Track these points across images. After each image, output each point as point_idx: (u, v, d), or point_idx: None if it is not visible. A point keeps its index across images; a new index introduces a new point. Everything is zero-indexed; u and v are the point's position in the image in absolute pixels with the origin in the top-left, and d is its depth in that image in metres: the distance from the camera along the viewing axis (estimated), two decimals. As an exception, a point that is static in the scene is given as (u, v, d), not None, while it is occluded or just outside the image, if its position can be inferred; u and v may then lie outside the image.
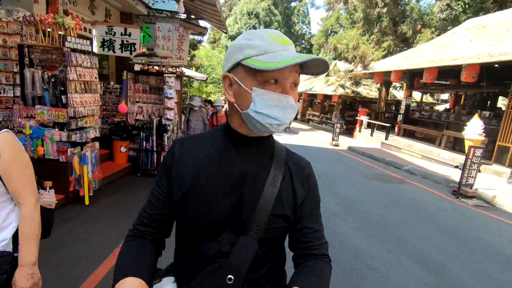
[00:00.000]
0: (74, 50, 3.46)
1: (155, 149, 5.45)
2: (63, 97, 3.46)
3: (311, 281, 0.73)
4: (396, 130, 12.05)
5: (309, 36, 42.61)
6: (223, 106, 6.16)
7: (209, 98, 27.12)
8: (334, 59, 20.78)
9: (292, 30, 39.76)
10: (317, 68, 0.71)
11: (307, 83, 20.51)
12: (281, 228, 0.78)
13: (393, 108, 16.48)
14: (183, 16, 9.09)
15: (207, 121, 6.26)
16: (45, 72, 3.44)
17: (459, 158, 7.92)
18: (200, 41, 19.42)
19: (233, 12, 30.28)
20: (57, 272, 2.38)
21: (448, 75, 10.17)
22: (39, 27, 3.39)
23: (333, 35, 23.91)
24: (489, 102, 12.23)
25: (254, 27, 27.95)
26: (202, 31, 10.36)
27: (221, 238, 0.72)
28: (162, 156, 5.42)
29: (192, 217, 0.72)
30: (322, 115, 19.14)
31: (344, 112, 16.65)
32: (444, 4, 17.01)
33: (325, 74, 19.61)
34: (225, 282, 0.70)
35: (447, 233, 3.89)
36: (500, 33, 8.11)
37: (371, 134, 12.45)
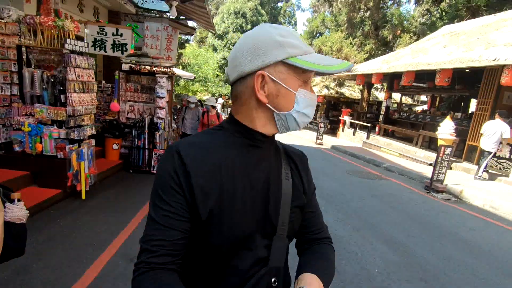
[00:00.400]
0: (73, 51, 3.64)
1: (146, 147, 5.65)
2: (62, 96, 3.64)
3: (320, 265, 0.76)
4: (377, 130, 12.64)
5: (296, 36, 43.31)
6: (214, 107, 6.13)
7: (194, 95, 27.29)
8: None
9: (279, 30, 40.21)
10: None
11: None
12: (299, 219, 0.79)
13: (375, 109, 17.17)
14: (172, 16, 9.26)
15: None
16: (44, 72, 3.61)
17: (433, 156, 8.51)
18: (187, 40, 19.43)
19: (220, 11, 30.41)
20: (68, 256, 2.62)
21: (425, 78, 10.80)
22: (39, 29, 3.56)
23: (319, 36, 24.55)
24: (462, 104, 13.06)
25: (241, 27, 28.18)
26: (190, 31, 10.54)
27: (254, 246, 0.69)
28: (153, 154, 5.63)
29: (225, 234, 0.66)
30: (307, 114, 19.63)
31: (329, 112, 17.19)
32: (424, 9, 17.90)
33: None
34: (271, 286, 0.70)
35: (415, 221, 4.34)
36: (470, 40, 8.76)
37: (354, 134, 13.00)
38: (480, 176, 6.94)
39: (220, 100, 14.99)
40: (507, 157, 7.56)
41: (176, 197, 0.64)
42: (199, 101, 7.26)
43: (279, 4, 41.14)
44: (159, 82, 5.61)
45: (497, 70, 7.20)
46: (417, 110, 15.65)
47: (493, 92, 7.72)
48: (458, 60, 7.72)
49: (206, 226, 0.65)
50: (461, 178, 7.18)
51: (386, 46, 15.23)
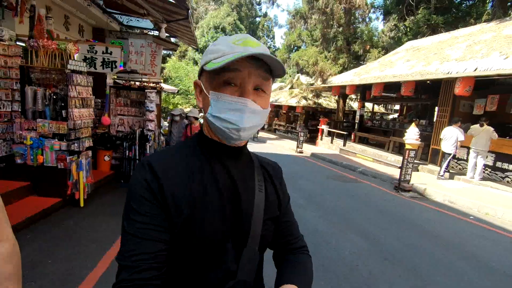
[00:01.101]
0: (73, 71, 3.99)
1: (137, 157, 5.95)
2: (63, 111, 3.96)
3: (298, 276, 0.76)
4: (352, 138, 13.49)
5: (274, 49, 44.78)
6: (197, 118, 6.10)
7: (173, 108, 27.42)
8: (297, 72, 22.38)
9: (258, 44, 41.50)
10: (277, 69, 0.69)
11: (273, 95, 21.77)
12: (272, 231, 0.78)
13: (351, 118, 18.20)
14: (156, 33, 9.68)
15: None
16: (47, 90, 3.93)
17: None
18: (169, 55, 19.80)
19: (200, 25, 31.12)
20: (76, 251, 2.93)
21: (393, 89, 11.80)
22: (41, 51, 3.89)
23: (296, 49, 25.76)
24: (427, 112, 14.23)
25: (221, 41, 28.98)
26: (174, 47, 11.01)
27: (226, 258, 0.69)
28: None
29: (196, 243, 0.66)
30: (287, 124, 20.41)
31: (307, 121, 18.03)
32: (392, 24, 19.43)
33: (290, 86, 21.01)
34: None
35: (385, 216, 4.93)
36: (429, 55, 9.80)
37: (331, 142, 13.77)
38: (442, 176, 7.75)
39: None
40: (464, 158, 8.46)
41: (152, 208, 0.63)
42: (184, 113, 7.24)
43: (257, 19, 42.64)
44: (149, 96, 5.98)
45: (451, 82, 8.15)
46: (389, 118, 16.79)
47: (450, 101, 8.69)
48: (419, 73, 8.66)
49: (179, 236, 0.65)
50: (426, 178, 7.97)
51: (357, 60, 16.41)
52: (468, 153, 8.07)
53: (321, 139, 14.80)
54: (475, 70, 7.03)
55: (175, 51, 11.30)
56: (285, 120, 21.05)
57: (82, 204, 4.25)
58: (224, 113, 0.66)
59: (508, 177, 7.36)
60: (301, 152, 12.33)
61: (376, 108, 18.67)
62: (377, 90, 10.85)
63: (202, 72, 0.72)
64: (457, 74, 7.40)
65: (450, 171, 8.12)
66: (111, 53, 6.12)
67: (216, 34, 28.89)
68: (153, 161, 0.67)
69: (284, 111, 20.57)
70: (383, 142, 11.81)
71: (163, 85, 7.39)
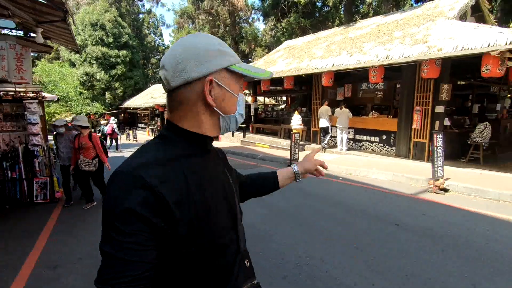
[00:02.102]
0: None
1: (24, 177, 5.29)
2: None
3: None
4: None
5: (163, 47, 43.12)
6: (85, 127, 4.95)
7: (53, 120, 23.50)
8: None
9: (145, 42, 39.20)
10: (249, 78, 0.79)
11: (170, 95, 21.35)
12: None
13: (247, 111, 19.74)
14: (20, 33, 8.35)
15: None
16: None
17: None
18: (37, 57, 16.87)
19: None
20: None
21: (279, 83, 13.54)
22: None
23: (187, 48, 25.70)
24: (307, 101, 16.86)
25: (102, 39, 26.18)
26: (47, 50, 9.64)
27: (229, 240, 0.75)
28: (35, 182, 5.33)
29: (208, 242, 0.68)
30: (188, 123, 20.47)
31: (208, 119, 18.60)
32: (272, 24, 21.78)
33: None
34: (246, 268, 0.79)
35: (284, 190, 5.99)
36: (301, 53, 11.75)
37: (232, 135, 14.78)
38: (326, 145, 9.68)
39: (112, 120, 13.42)
40: (335, 135, 10.69)
41: (140, 226, 0.59)
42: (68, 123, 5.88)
43: (141, 16, 40.08)
44: (29, 108, 5.36)
45: (319, 75, 10.11)
46: (279, 109, 19.05)
47: (320, 90, 10.76)
48: (295, 69, 10.36)
49: (187, 239, 0.64)
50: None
51: (246, 58, 17.88)
52: (336, 131, 10.25)
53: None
54: (332, 65, 9.00)
55: (50, 53, 10.00)
56: (185, 119, 21.02)
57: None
58: (243, 111, 0.78)
59: (364, 145, 9.78)
60: (206, 149, 12.81)
61: (268, 100, 20.80)
62: (265, 85, 12.31)
63: (219, 70, 0.71)
64: (321, 69, 9.29)
65: (326, 146, 10.16)
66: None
67: (94, 32, 25.88)
68: (140, 170, 0.62)
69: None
70: (276, 130, 13.50)
71: (45, 94, 6.58)
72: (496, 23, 9.50)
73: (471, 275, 2.68)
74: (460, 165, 7.33)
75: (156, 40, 43.74)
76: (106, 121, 14.11)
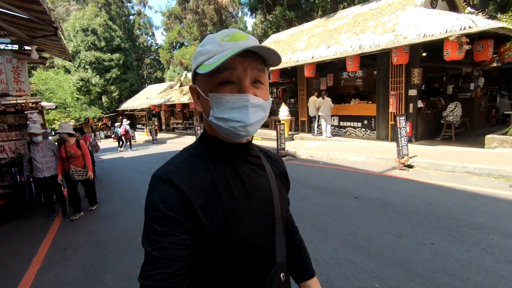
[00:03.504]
0: None
1: (31, 180, 5.89)
2: None
3: (309, 261, 0.98)
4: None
5: (156, 47, 43.36)
6: (72, 134, 4.85)
7: (52, 126, 24.08)
8: (184, 70, 22.99)
9: (137, 43, 39.48)
10: (273, 57, 0.69)
11: (165, 94, 21.87)
12: (285, 215, 0.85)
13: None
14: (15, 46, 8.85)
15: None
16: None
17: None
18: (33, 67, 17.36)
19: (64, 28, 27.56)
20: None
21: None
22: None
23: (179, 46, 26.10)
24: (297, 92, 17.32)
25: (94, 44, 26.55)
26: (42, 61, 10.15)
27: (261, 249, 0.73)
28: (41, 184, 5.92)
29: (235, 247, 0.68)
30: (185, 121, 21.02)
31: (204, 116, 19.09)
32: (262, 17, 22.10)
33: (179, 85, 21.50)
34: (281, 282, 0.76)
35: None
36: (285, 47, 12.20)
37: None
38: (315, 134, 10.26)
39: (125, 122, 14.52)
40: (320, 124, 11.23)
41: (172, 226, 0.62)
42: (76, 129, 6.21)
43: (131, 17, 40.25)
44: (31, 118, 5.92)
45: (302, 67, 10.59)
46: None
47: (305, 81, 11.25)
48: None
49: (214, 244, 0.66)
50: (298, 144, 10.29)
51: (235, 54, 18.28)
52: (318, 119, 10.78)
53: (217, 129, 16.16)
54: (312, 58, 9.48)
55: (44, 64, 10.50)
56: (181, 117, 21.57)
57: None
58: (228, 113, 0.66)
59: (348, 131, 10.31)
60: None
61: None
62: (253, 79, 12.77)
63: (195, 76, 0.71)
64: (302, 62, 9.78)
65: (315, 135, 10.71)
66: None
67: (86, 37, 26.23)
68: (171, 174, 0.66)
69: (179, 109, 21.04)
70: (267, 122, 14.01)
71: (44, 103, 7.11)
72: (466, 6, 9.91)
73: (398, 229, 3.26)
74: (434, 144, 7.88)
75: (149, 40, 43.99)
76: (119, 124, 14.96)
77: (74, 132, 4.97)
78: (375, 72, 9.39)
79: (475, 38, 6.81)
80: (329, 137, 10.07)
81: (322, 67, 10.62)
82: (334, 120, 10.43)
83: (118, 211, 5.06)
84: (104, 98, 27.73)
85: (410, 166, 5.87)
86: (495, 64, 10.65)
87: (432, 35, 6.52)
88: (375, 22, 8.84)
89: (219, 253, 0.68)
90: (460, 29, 6.01)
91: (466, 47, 6.25)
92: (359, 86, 10.83)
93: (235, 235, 0.68)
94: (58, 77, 26.94)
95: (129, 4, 39.54)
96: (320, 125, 10.70)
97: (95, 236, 4.00)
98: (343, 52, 8.45)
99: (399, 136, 5.83)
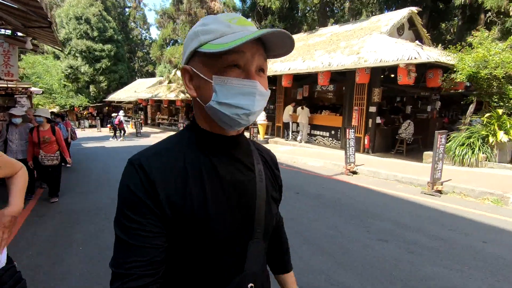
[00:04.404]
0: None
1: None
2: None
3: (287, 255, 0.98)
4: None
5: (150, 41, 43.52)
6: (49, 119, 4.94)
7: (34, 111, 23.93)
8: (174, 67, 23.50)
9: (131, 36, 39.62)
10: (283, 47, 0.66)
11: (153, 89, 22.33)
12: (273, 220, 0.78)
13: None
14: (8, 32, 9.29)
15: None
16: None
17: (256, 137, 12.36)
18: (23, 52, 17.55)
19: (57, 14, 27.59)
20: None
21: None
22: None
23: (173, 43, 26.54)
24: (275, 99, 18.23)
25: (87, 33, 26.70)
26: (34, 48, 10.59)
27: (231, 252, 0.68)
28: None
29: (200, 242, 0.64)
30: (170, 117, 21.55)
31: (189, 113, 19.72)
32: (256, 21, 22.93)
33: (168, 81, 22.03)
34: None
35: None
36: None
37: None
38: (288, 139, 11.07)
39: (121, 113, 16.31)
40: (295, 130, 12.13)
41: (145, 213, 0.60)
42: (57, 115, 6.48)
43: (127, 10, 40.41)
44: (19, 101, 6.47)
45: (281, 77, 11.45)
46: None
47: (283, 90, 12.12)
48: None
49: (182, 236, 0.63)
50: (271, 147, 11.10)
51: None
52: (298, 126, 11.68)
53: (200, 127, 16.85)
54: (289, 69, 10.36)
55: (36, 51, 10.97)
56: (167, 113, 22.08)
57: None
58: (233, 98, 0.62)
59: (317, 139, 11.22)
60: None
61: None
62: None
63: (193, 56, 0.66)
64: (280, 72, 10.64)
65: (289, 140, 11.56)
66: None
67: (79, 25, 26.35)
68: (144, 161, 0.63)
69: (165, 105, 21.57)
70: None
71: (32, 88, 7.63)
72: (428, 36, 11.06)
73: (316, 215, 4.07)
74: (387, 156, 8.85)
75: (143, 33, 44.15)
76: (116, 114, 16.62)
77: (51, 118, 5.02)
78: (343, 88, 10.35)
79: (427, 66, 7.83)
80: (302, 142, 10.94)
81: (299, 78, 11.51)
82: (309, 129, 11.33)
83: (93, 189, 5.69)
84: (92, 88, 27.83)
85: (355, 172, 6.77)
86: (452, 91, 11.82)
87: (386, 61, 7.49)
88: (346, 43, 9.81)
89: (183, 246, 0.65)
90: (408, 59, 7.00)
91: (413, 74, 7.24)
92: (330, 99, 11.80)
93: (203, 229, 0.64)
94: (46, 62, 26.92)
95: (125, -3, 39.72)
96: (294, 131, 11.58)
97: (69, 207, 4.64)
98: (315, 67, 9.36)
99: (347, 146, 6.72)
